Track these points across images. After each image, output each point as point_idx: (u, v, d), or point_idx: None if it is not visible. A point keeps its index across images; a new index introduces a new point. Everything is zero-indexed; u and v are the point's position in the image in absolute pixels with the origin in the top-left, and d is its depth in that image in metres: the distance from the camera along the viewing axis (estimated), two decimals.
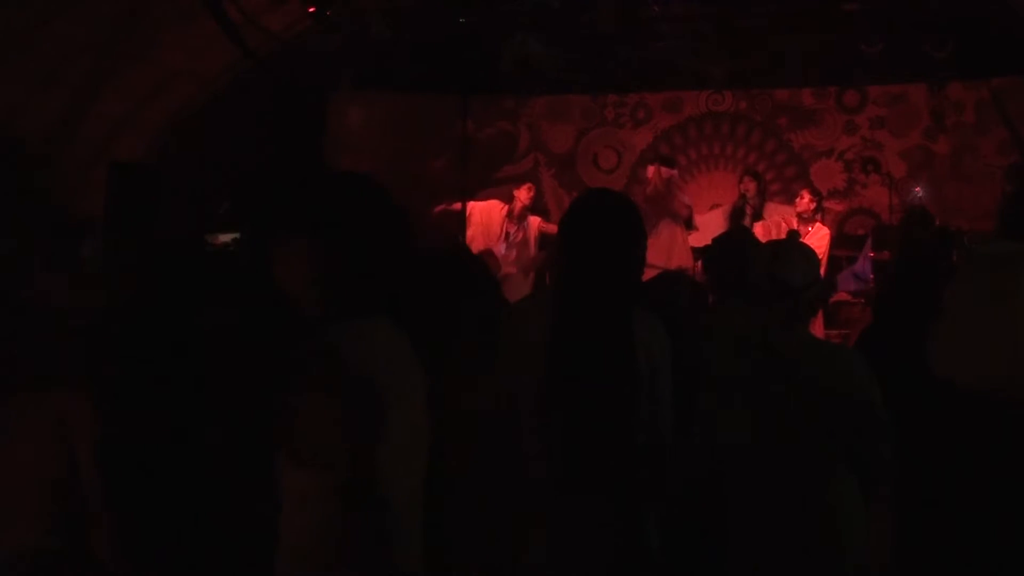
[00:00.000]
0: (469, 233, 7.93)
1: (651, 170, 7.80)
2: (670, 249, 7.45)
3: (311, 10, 6.48)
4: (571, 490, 2.15)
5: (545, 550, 2.18)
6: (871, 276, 7.25)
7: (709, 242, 6.81)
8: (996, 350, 1.92)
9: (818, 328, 6.91)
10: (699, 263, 6.93)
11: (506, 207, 8.12)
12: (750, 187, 7.80)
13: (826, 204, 8.78)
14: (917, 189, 8.67)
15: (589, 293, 2.23)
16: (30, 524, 2.30)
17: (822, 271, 7.28)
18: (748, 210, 7.68)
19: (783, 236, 7.18)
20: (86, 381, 2.37)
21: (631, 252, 2.30)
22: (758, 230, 7.33)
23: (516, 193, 8.12)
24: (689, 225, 7.69)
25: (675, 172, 7.89)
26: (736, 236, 4.15)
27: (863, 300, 7.46)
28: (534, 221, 8.09)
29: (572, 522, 2.16)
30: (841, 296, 7.67)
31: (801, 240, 6.61)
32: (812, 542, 2.38)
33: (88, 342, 2.45)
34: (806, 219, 7.39)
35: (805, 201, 7.42)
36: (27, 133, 5.99)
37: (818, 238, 7.25)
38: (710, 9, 7.62)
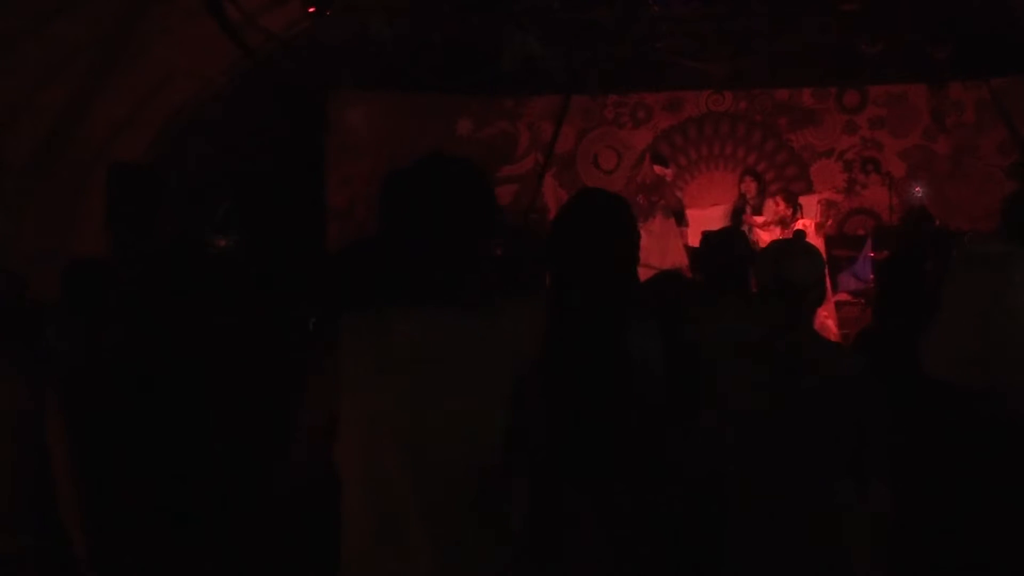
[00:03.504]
0: None
1: (648, 159, 7.82)
2: (664, 246, 7.44)
3: (311, 10, 6.47)
4: (558, 492, 2.14)
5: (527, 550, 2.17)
6: (871, 276, 7.25)
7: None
8: (985, 349, 1.92)
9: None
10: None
11: None
12: (751, 187, 7.80)
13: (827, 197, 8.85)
14: (917, 189, 8.67)
15: (582, 291, 2.23)
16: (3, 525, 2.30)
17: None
18: (748, 210, 7.68)
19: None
20: (72, 379, 2.37)
21: (623, 250, 2.30)
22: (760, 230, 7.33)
23: None
24: (680, 220, 7.67)
25: (669, 172, 7.86)
26: (724, 234, 4.12)
27: (863, 300, 7.46)
28: None
29: (559, 521, 2.15)
30: (841, 296, 7.66)
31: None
32: (813, 543, 2.38)
33: (89, 342, 2.46)
34: (786, 224, 7.36)
35: (780, 208, 7.39)
36: (27, 133, 6.00)
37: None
38: (710, 9, 7.61)
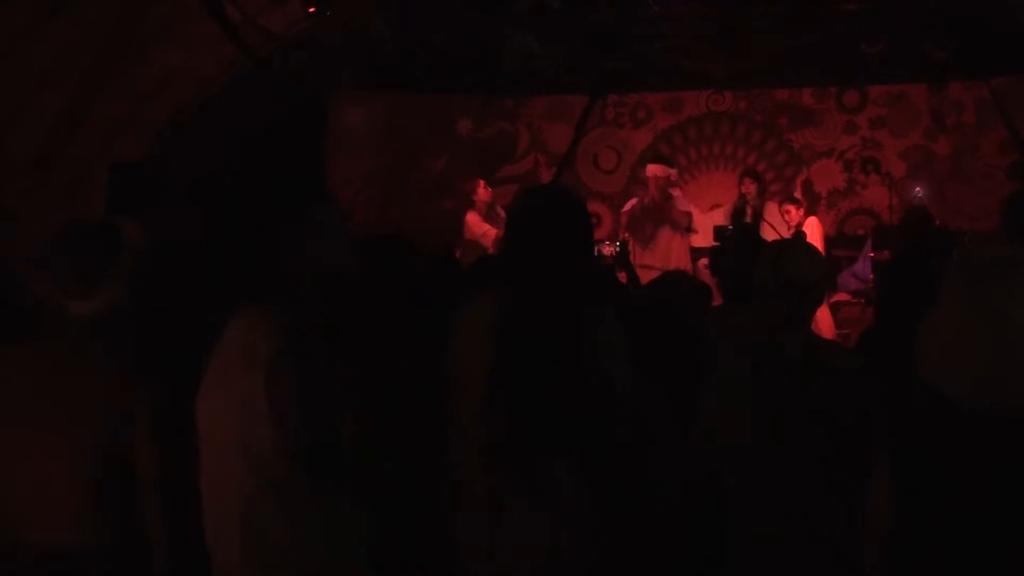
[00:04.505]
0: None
1: (650, 169, 7.80)
2: (667, 253, 7.47)
3: (311, 10, 6.47)
4: (508, 482, 2.13)
5: (483, 548, 2.17)
6: (871, 276, 7.25)
7: (709, 242, 6.71)
8: (983, 352, 1.92)
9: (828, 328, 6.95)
10: (700, 263, 6.95)
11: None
12: (751, 188, 7.79)
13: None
14: (917, 189, 8.67)
15: (531, 284, 2.23)
16: (66, 521, 2.28)
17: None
18: (748, 211, 7.68)
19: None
20: (138, 376, 2.36)
21: (572, 245, 2.30)
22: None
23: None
24: (688, 230, 7.70)
25: (674, 171, 7.88)
26: (746, 235, 4.10)
27: (863, 300, 7.46)
28: None
29: (510, 517, 2.14)
30: (841, 296, 7.66)
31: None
32: (813, 543, 2.38)
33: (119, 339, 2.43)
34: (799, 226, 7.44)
35: (793, 215, 7.48)
36: (27, 133, 5.99)
37: (812, 231, 7.33)
38: (710, 9, 7.61)
